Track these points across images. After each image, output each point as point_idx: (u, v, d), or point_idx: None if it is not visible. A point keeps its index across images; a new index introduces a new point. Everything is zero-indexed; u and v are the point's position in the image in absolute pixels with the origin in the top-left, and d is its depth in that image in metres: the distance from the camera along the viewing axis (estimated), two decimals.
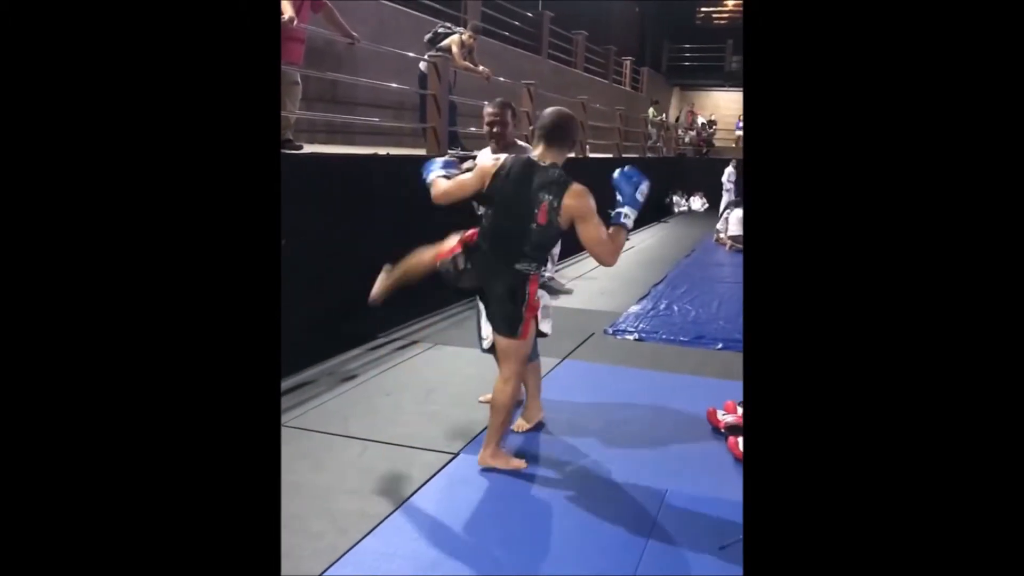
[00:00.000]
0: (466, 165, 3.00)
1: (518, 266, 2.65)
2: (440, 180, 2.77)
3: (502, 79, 7.85)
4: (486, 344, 3.28)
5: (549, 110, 2.72)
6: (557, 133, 2.61)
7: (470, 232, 2.77)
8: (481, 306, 3.22)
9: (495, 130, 3.29)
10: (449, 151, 6.32)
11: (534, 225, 2.56)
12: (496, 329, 2.77)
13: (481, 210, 2.82)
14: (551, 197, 2.52)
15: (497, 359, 2.89)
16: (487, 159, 2.73)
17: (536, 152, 2.64)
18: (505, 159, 2.65)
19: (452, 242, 2.78)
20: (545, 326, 3.26)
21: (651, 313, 5.77)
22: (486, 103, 3.38)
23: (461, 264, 2.75)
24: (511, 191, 2.59)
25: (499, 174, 2.61)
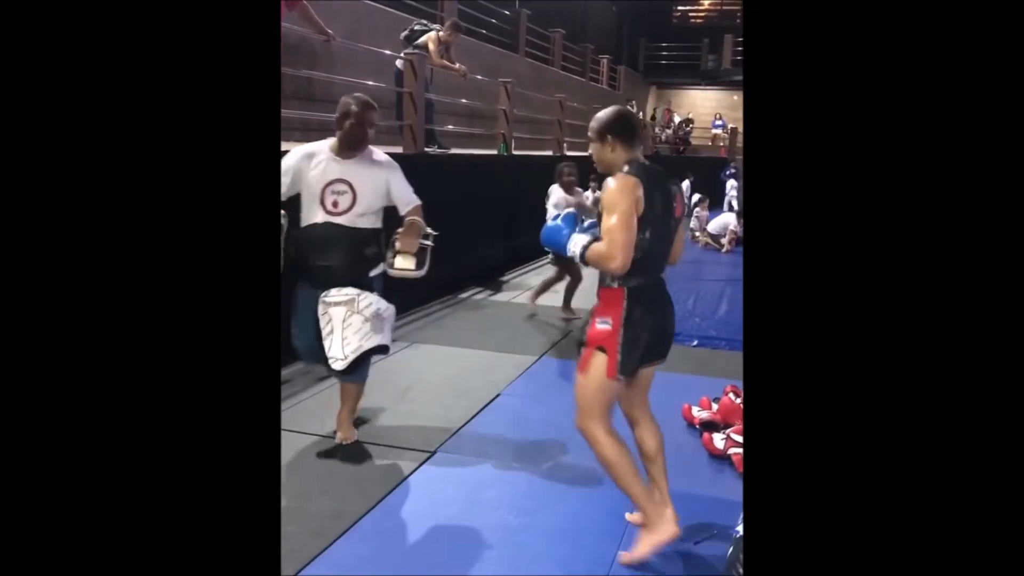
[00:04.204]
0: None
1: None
2: (599, 244, 2.16)
3: (479, 77, 7.85)
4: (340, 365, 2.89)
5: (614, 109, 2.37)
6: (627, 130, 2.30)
7: (605, 301, 2.26)
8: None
9: (367, 131, 2.93)
10: (427, 149, 6.30)
11: (672, 222, 2.29)
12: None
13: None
14: (674, 187, 2.29)
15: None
16: (620, 184, 2.14)
17: (638, 153, 2.28)
18: (634, 172, 2.18)
19: (605, 329, 2.23)
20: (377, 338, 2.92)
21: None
22: (348, 98, 2.92)
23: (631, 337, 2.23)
24: (660, 201, 2.21)
25: (650, 190, 2.17)
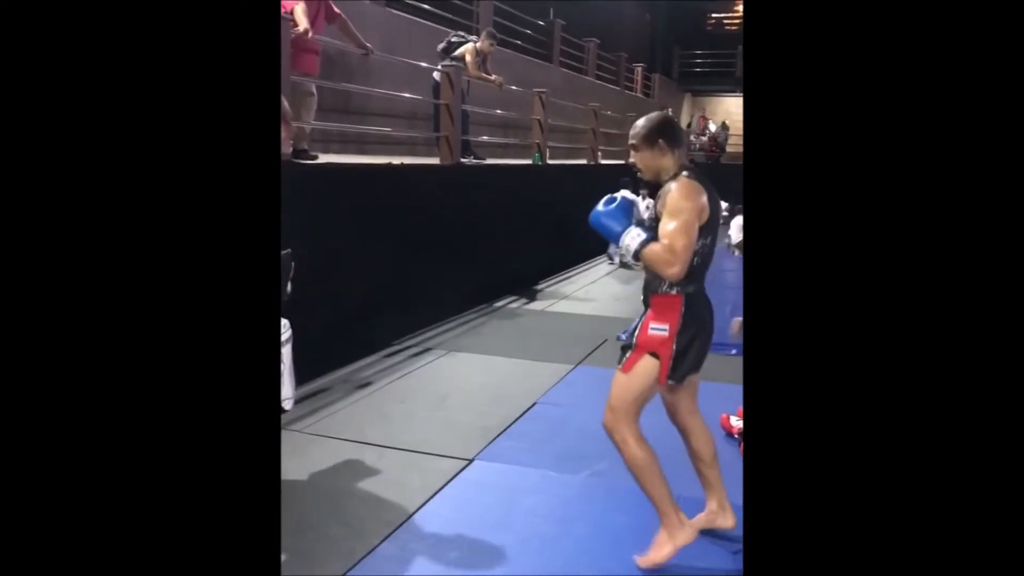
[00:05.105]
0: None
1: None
2: (659, 246, 2.08)
3: (513, 87, 7.90)
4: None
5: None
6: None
7: (661, 307, 2.23)
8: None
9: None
10: (462, 159, 6.36)
11: (719, 227, 2.29)
12: None
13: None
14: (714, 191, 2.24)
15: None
16: (686, 188, 2.12)
17: (685, 159, 2.29)
18: (698, 179, 2.16)
19: (661, 335, 2.22)
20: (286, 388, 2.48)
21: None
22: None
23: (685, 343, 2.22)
24: (716, 207, 2.21)
25: (711, 197, 2.16)
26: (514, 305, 6.38)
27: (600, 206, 2.24)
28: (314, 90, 4.78)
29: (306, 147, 4.68)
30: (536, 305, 6.44)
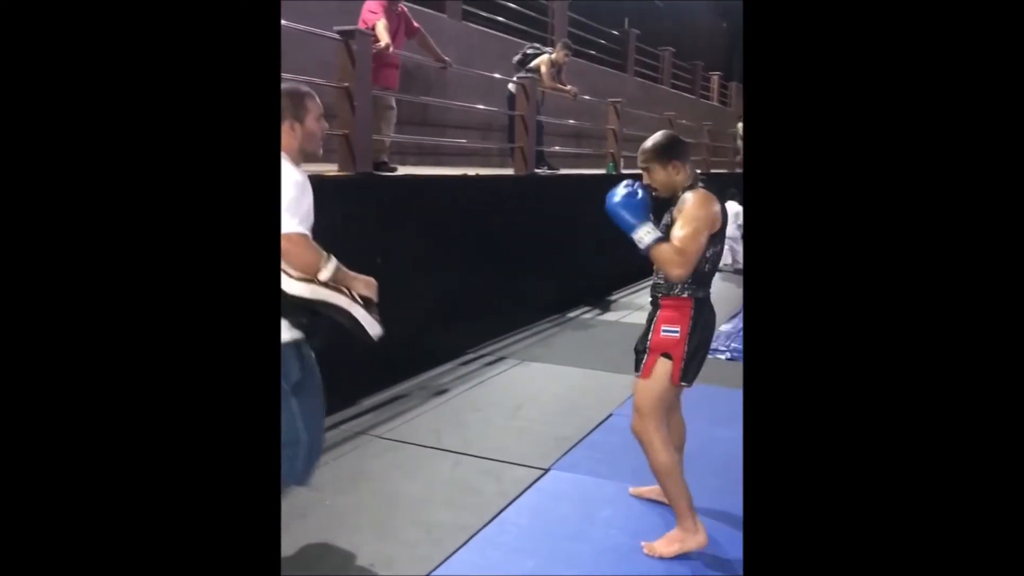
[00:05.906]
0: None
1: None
2: (670, 247, 2.20)
3: (587, 97, 7.90)
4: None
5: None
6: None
7: (672, 309, 2.35)
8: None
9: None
10: (537, 170, 6.39)
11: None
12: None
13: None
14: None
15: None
16: (703, 198, 2.25)
17: (695, 169, 2.40)
18: (708, 188, 2.32)
19: (673, 336, 2.34)
20: None
21: (742, 332, 5.65)
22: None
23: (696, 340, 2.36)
24: (724, 216, 2.33)
25: (721, 208, 2.30)
26: (587, 315, 6.36)
27: (619, 195, 2.27)
28: (394, 103, 4.90)
29: (386, 159, 4.80)
30: (610, 316, 6.40)
